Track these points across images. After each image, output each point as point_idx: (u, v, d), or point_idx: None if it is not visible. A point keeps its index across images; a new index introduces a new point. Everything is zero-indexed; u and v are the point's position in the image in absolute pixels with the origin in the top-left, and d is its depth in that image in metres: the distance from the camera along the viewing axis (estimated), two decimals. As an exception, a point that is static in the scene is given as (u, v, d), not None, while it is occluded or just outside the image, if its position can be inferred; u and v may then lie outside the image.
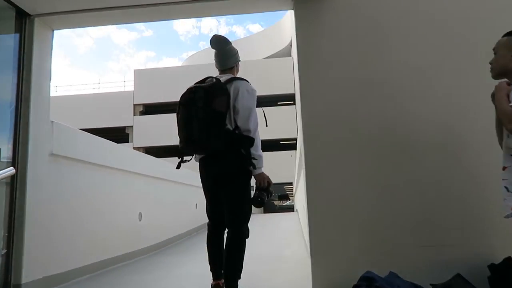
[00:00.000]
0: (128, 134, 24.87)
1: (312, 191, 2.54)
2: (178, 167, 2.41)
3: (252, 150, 2.17)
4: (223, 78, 2.29)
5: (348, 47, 2.66)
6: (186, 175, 7.28)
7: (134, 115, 24.81)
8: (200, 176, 2.41)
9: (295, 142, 24.43)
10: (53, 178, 3.13)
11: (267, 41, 28.76)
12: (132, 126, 24.62)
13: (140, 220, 4.79)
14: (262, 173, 2.24)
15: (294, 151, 24.21)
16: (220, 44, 2.41)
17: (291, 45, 25.79)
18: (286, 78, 24.05)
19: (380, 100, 2.57)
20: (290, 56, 25.71)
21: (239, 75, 2.49)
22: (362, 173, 2.48)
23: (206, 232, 2.41)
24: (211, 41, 2.41)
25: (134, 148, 24.16)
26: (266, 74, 24.23)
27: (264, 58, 27.80)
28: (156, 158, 5.57)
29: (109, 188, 4.09)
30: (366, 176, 2.48)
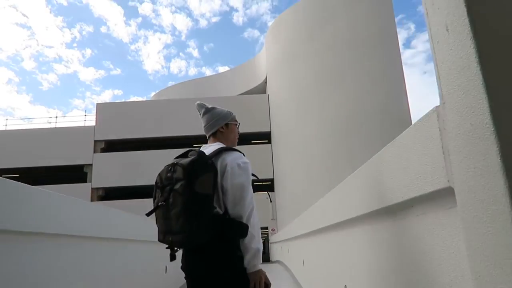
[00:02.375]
0: (86, 173, 22.39)
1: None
2: (172, 259, 1.74)
3: (246, 241, 1.72)
4: (209, 149, 1.91)
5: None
6: (150, 229, 5.46)
7: (94, 152, 22.49)
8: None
9: (270, 183, 23.02)
10: None
11: (241, 78, 27.80)
12: (91, 164, 22.21)
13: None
14: (259, 271, 1.74)
15: (270, 192, 22.68)
16: (200, 110, 2.12)
17: (266, 82, 24.88)
18: (261, 115, 22.90)
19: None
20: (265, 93, 24.72)
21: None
22: None
23: None
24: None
25: (93, 189, 21.70)
26: (240, 111, 22.82)
27: (238, 94, 26.70)
28: (107, 208, 3.77)
29: (29, 271, 2.29)
30: None
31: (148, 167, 21.40)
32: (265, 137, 23.02)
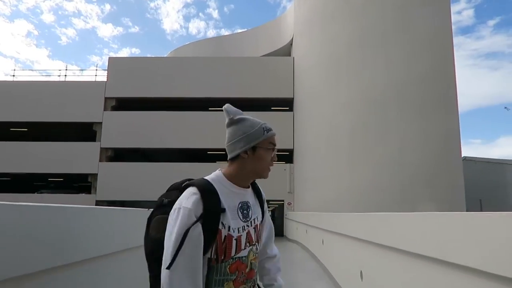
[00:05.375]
0: (95, 132, 21.18)
1: None
2: None
3: None
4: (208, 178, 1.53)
5: None
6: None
7: (104, 109, 21.15)
8: None
9: (288, 153, 21.46)
10: None
11: (264, 39, 25.66)
12: (101, 123, 20.94)
13: None
14: None
15: (288, 164, 21.18)
16: (226, 118, 1.49)
17: (291, 44, 22.77)
18: (284, 80, 21.03)
19: None
20: (290, 55, 22.69)
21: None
22: None
23: None
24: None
25: (102, 149, 20.56)
26: (261, 74, 21.14)
27: (261, 56, 24.71)
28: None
29: None
30: None
31: (160, 129, 20.04)
32: (287, 104, 21.27)
